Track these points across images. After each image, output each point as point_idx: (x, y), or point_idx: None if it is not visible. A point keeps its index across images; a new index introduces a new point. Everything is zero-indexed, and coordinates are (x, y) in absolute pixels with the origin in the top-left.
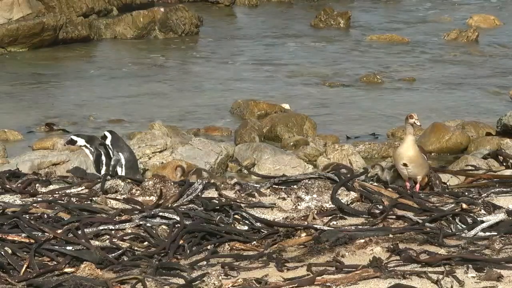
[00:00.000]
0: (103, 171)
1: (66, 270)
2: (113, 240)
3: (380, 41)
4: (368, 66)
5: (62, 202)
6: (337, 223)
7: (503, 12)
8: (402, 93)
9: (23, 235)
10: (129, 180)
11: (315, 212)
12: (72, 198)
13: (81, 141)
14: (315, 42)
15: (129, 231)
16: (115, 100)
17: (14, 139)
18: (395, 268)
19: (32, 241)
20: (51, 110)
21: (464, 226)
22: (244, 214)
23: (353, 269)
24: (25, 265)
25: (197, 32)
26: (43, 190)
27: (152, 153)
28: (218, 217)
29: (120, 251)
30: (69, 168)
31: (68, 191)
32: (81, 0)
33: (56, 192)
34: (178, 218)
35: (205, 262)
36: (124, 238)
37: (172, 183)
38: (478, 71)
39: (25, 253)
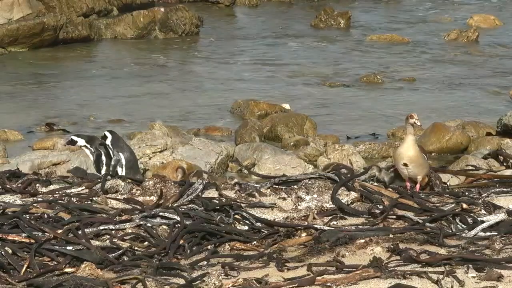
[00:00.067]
0: (103, 171)
1: (67, 270)
2: (114, 240)
3: (381, 41)
4: (369, 66)
5: (63, 202)
6: (337, 223)
7: (503, 12)
8: (402, 93)
9: (24, 235)
10: (130, 180)
11: (316, 212)
12: (72, 198)
13: (81, 141)
14: (315, 42)
15: (130, 231)
16: (115, 100)
17: (14, 139)
18: (396, 268)
19: (32, 241)
20: (51, 110)
21: (465, 226)
22: (244, 214)
23: (354, 269)
24: (25, 265)
25: (197, 32)
26: (43, 190)
27: (153, 153)
28: (219, 217)
29: (121, 251)
30: (70, 168)
31: (68, 191)
32: (81, 0)
33: (57, 192)
34: (178, 218)
35: (205, 262)
36: (125, 238)
37: (172, 183)
38: (478, 71)
39: (25, 253)
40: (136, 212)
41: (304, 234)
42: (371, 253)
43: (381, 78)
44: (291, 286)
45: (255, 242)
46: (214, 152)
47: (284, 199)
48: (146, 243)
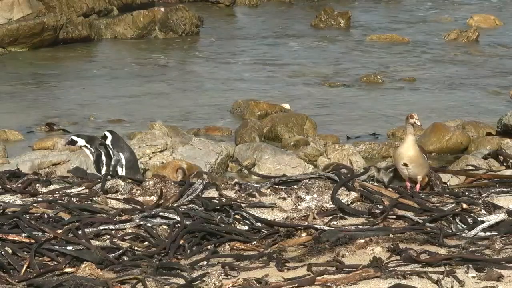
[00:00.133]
0: (103, 171)
1: (67, 270)
2: (114, 240)
3: (381, 41)
4: (369, 66)
5: (63, 202)
6: (337, 223)
7: (503, 12)
8: (402, 93)
9: (24, 235)
10: (130, 180)
11: (316, 212)
12: (72, 198)
13: (81, 142)
14: (315, 42)
15: (130, 231)
16: (116, 100)
17: (14, 139)
18: (396, 268)
19: (32, 241)
20: (51, 110)
21: (465, 226)
22: (244, 214)
23: (354, 269)
24: (25, 265)
25: (197, 32)
26: (43, 190)
27: (153, 153)
28: (219, 217)
29: (121, 251)
30: (70, 168)
31: (68, 191)
32: (81, 0)
33: (57, 192)
34: (178, 218)
35: (205, 262)
36: (125, 238)
37: (173, 183)
38: (478, 71)
39: (25, 253)
40: (136, 212)
41: (304, 234)
42: (371, 253)
43: (381, 78)
44: (291, 286)
45: (255, 242)
46: (214, 152)
47: (284, 199)
48: (146, 243)
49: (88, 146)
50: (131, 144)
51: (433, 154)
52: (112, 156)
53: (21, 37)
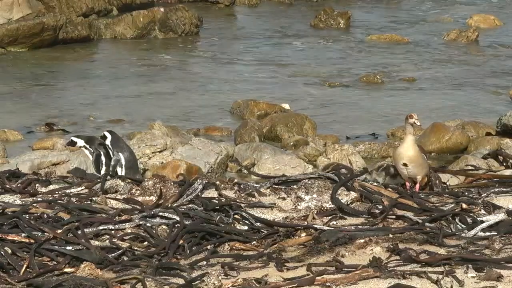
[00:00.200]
0: (103, 171)
1: (66, 270)
2: (113, 240)
3: (380, 41)
4: (368, 66)
5: (62, 202)
6: (337, 223)
7: (503, 12)
8: (402, 93)
9: (23, 235)
10: (129, 180)
11: (315, 212)
12: (72, 198)
13: (80, 142)
14: (315, 42)
15: (129, 231)
16: (115, 100)
17: (14, 139)
18: (395, 268)
19: (32, 241)
20: (51, 110)
21: (464, 226)
22: (244, 214)
23: (353, 269)
24: (25, 265)
25: (197, 32)
26: (43, 190)
27: (152, 153)
28: (218, 217)
29: (120, 251)
30: (69, 169)
31: (68, 191)
32: (81, 0)
33: (56, 192)
34: (178, 218)
35: (205, 262)
36: (124, 238)
37: (172, 183)
38: (478, 71)
39: (25, 253)
40: (136, 212)
41: (303, 234)
42: (371, 253)
43: (381, 78)
44: (290, 286)
45: (254, 242)
46: (214, 152)
47: (283, 199)
48: (145, 243)
49: (88, 146)
50: (130, 144)
51: (432, 154)
52: (112, 156)
53: (20, 37)
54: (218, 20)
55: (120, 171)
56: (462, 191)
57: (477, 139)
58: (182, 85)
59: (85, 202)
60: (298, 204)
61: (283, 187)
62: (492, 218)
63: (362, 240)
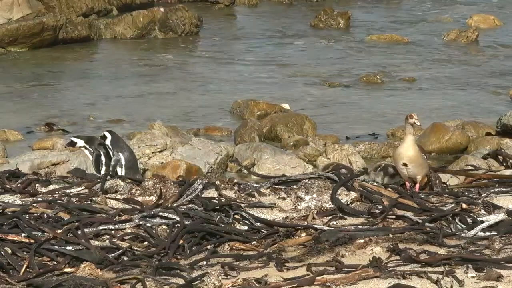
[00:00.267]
0: (103, 171)
1: (66, 270)
2: (113, 240)
3: (380, 41)
4: (368, 66)
5: (62, 202)
6: (337, 223)
7: (503, 12)
8: (402, 93)
9: (23, 235)
10: (129, 180)
11: (315, 212)
12: (72, 198)
13: (80, 142)
14: (315, 42)
15: (129, 231)
16: (115, 100)
17: (14, 139)
18: (395, 268)
19: (32, 241)
20: (51, 110)
21: (464, 226)
22: (244, 214)
23: (353, 269)
24: (25, 265)
25: (197, 32)
26: (43, 190)
27: (152, 153)
28: (218, 217)
29: (120, 251)
30: (70, 169)
31: (68, 191)
32: (81, 0)
33: (56, 192)
34: (178, 218)
35: (205, 262)
36: (124, 238)
37: (172, 183)
38: (478, 71)
39: (25, 253)
40: (136, 212)
41: (303, 234)
42: (371, 253)
43: (381, 78)
44: (290, 286)
45: (254, 242)
46: (214, 152)
47: (283, 199)
48: (145, 243)
49: (87, 146)
50: (130, 144)
51: (432, 154)
52: (112, 156)
53: (20, 37)
54: (218, 20)
55: (120, 171)
56: (462, 191)
57: (477, 139)
58: (182, 85)
59: (85, 202)
60: (298, 204)
61: (283, 187)
62: (492, 218)
63: (362, 240)
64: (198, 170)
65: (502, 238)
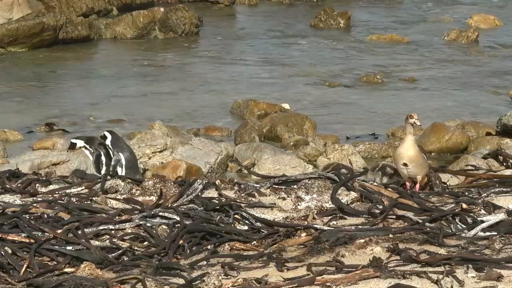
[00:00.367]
0: (103, 171)
1: (66, 270)
2: (113, 240)
3: (380, 41)
4: (368, 66)
5: (62, 202)
6: (337, 223)
7: (503, 12)
8: (402, 93)
9: (23, 235)
10: (129, 180)
11: (315, 212)
12: (72, 198)
13: (80, 143)
14: (315, 42)
15: (129, 231)
16: (115, 100)
17: (14, 139)
18: (395, 268)
19: (32, 241)
20: (51, 110)
21: (464, 226)
22: (244, 214)
23: (353, 269)
24: (25, 265)
25: (197, 32)
26: (43, 190)
27: (152, 153)
28: (218, 217)
29: (120, 251)
30: (70, 169)
31: (68, 191)
32: (81, 0)
33: (56, 192)
34: (178, 218)
35: (205, 262)
36: (124, 238)
37: (172, 183)
38: (478, 71)
39: (25, 253)
40: (136, 212)
41: (303, 234)
42: (371, 253)
43: (381, 78)
44: (290, 286)
45: (254, 242)
46: (214, 152)
47: (283, 199)
48: (146, 243)
49: (87, 146)
50: (130, 144)
51: (432, 154)
52: (112, 156)
53: (20, 37)
54: (218, 20)
55: (120, 171)
56: (462, 191)
57: (477, 139)
58: (182, 85)
59: (85, 202)
60: (298, 204)
61: (283, 187)
62: (492, 218)
63: (362, 240)
64: (198, 170)
65: (502, 238)
